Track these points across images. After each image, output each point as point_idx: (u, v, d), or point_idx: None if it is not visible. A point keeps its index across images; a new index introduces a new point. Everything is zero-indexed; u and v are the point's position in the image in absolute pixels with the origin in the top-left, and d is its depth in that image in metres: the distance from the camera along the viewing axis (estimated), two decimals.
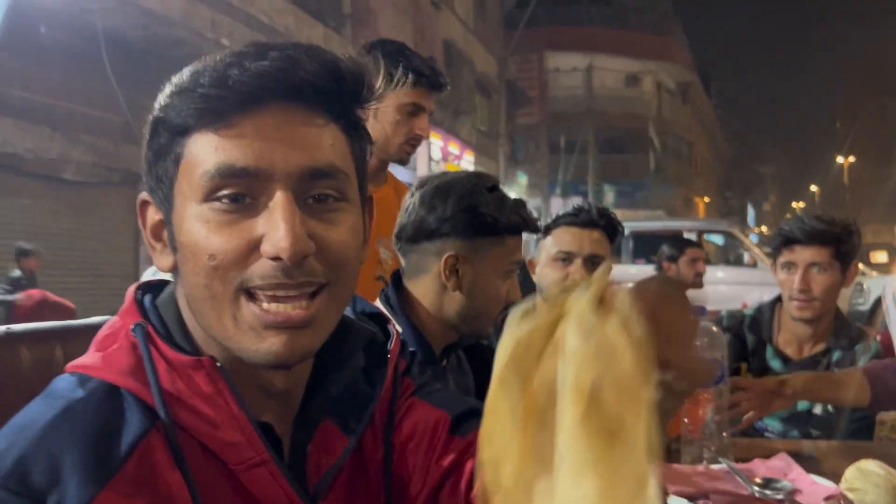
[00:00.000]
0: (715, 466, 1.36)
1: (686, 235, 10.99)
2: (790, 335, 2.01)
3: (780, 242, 1.96)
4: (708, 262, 6.90)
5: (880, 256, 26.70)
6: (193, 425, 0.64)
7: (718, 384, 1.37)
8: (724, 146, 56.84)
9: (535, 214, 1.50)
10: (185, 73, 0.68)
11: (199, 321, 0.68)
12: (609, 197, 24.24)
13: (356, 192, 0.73)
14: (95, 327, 1.02)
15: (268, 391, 0.71)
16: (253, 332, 0.65)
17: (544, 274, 1.82)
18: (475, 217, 1.27)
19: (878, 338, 2.59)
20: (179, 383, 0.65)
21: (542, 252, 1.85)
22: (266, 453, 0.66)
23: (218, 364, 0.66)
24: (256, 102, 0.64)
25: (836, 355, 1.95)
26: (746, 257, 11.11)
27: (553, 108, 26.09)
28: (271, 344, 0.65)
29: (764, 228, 54.67)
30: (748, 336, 2.05)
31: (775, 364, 1.99)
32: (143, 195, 0.72)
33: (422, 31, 14.27)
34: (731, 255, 12.01)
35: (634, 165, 28.53)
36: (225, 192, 0.64)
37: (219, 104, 0.64)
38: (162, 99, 0.68)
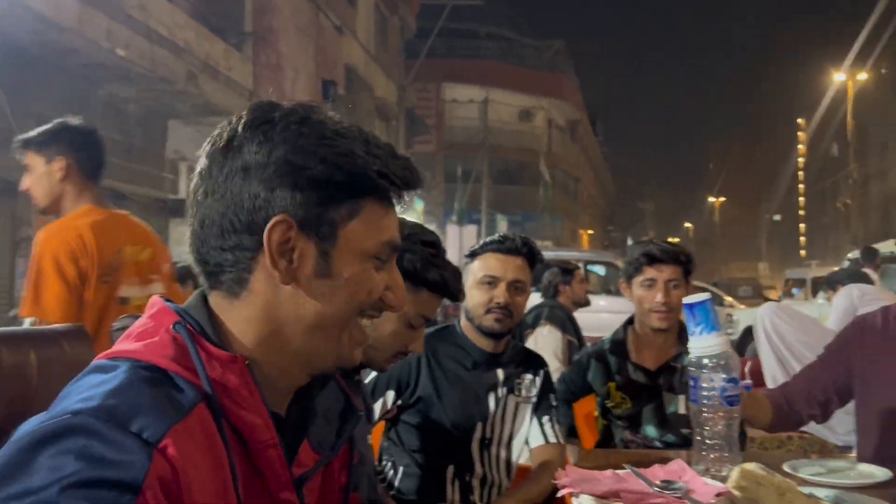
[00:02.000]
0: (620, 472, 1.52)
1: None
2: (645, 350, 2.27)
3: (645, 261, 2.20)
4: (591, 292, 7.26)
5: (746, 291, 28.56)
6: (227, 407, 0.76)
7: (736, 405, 1.52)
8: (609, 183, 59.61)
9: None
10: (375, 141, 0.85)
11: (312, 339, 0.83)
12: (502, 226, 24.82)
13: None
14: (61, 333, 1.06)
15: (286, 389, 0.86)
16: (358, 346, 0.87)
17: (471, 295, 1.95)
18: (398, 261, 1.41)
19: None
20: (215, 372, 0.76)
21: (468, 275, 1.98)
22: (277, 438, 0.79)
23: (247, 361, 0.78)
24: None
25: (685, 359, 2.18)
26: None
27: (450, 137, 26.62)
28: (357, 354, 0.87)
29: None
30: (611, 359, 2.30)
31: (638, 377, 2.25)
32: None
33: (324, 54, 14.30)
34: (612, 286, 12.59)
35: (526, 197, 29.44)
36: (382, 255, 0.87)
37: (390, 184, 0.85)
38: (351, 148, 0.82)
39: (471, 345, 1.97)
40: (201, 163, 0.82)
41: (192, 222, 0.83)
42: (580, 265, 11.24)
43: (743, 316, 10.80)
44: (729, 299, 15.03)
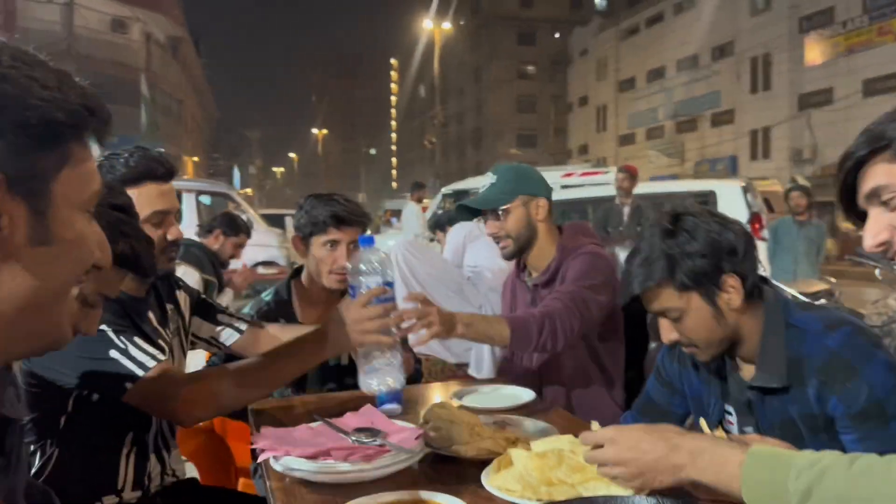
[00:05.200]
0: (313, 424, 1.48)
1: (185, 195, 10.90)
2: (311, 308, 2.20)
3: (332, 224, 2.11)
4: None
5: None
6: None
7: (391, 301, 1.53)
8: (213, 107, 57.47)
9: None
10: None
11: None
12: (94, 150, 22.32)
13: None
14: None
15: None
16: (73, 320, 0.75)
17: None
18: None
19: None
20: None
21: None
22: None
23: None
24: None
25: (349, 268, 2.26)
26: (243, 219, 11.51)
27: (25, 42, 22.71)
28: (69, 331, 0.74)
29: (249, 191, 57.22)
30: (280, 320, 2.12)
31: None
32: None
33: None
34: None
35: (123, 117, 26.81)
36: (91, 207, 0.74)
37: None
38: None
39: None
40: None
41: None
42: (195, 196, 10.78)
43: None
44: None
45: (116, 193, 1.18)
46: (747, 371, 1.49)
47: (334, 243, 2.12)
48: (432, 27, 34.18)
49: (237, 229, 4.34)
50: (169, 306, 1.76)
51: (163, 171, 1.67)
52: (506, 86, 46.46)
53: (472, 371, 3.69)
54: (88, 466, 1.48)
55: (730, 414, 1.53)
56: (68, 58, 21.05)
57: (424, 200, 11.33)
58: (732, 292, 1.43)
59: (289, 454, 1.29)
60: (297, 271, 2.23)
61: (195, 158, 42.05)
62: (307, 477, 1.27)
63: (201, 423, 2.41)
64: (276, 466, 1.30)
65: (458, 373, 3.72)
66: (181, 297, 1.83)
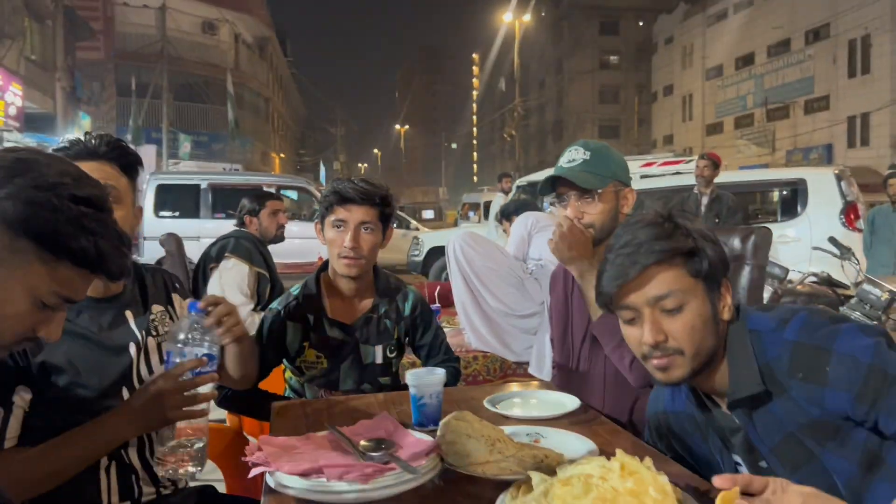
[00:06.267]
0: (321, 433, 1.35)
1: (266, 190, 11.06)
2: (339, 301, 2.06)
3: (335, 201, 1.97)
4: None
5: (428, 213, 30.59)
6: None
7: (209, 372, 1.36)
8: (300, 105, 58.78)
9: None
10: None
11: None
12: (186, 147, 23.16)
13: None
14: None
15: None
16: None
17: None
18: (30, 210, 0.96)
19: (418, 287, 2.83)
20: None
21: None
22: None
23: None
24: None
25: (382, 308, 2.08)
26: None
27: (122, 45, 23.80)
28: None
29: None
30: (308, 316, 2.02)
31: (334, 333, 2.02)
32: None
33: None
34: (305, 211, 12.45)
35: (212, 116, 27.74)
36: None
37: None
38: None
39: None
40: None
41: None
42: (275, 191, 10.95)
43: (427, 238, 11.39)
44: (414, 223, 15.87)
45: (81, 185, 1.01)
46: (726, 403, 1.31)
47: (341, 223, 1.97)
48: (512, 19, 33.78)
49: (260, 199, 4.07)
50: (157, 307, 1.57)
51: (75, 151, 1.44)
52: (587, 76, 45.51)
53: (532, 370, 3.51)
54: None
55: (740, 465, 1.33)
56: (161, 59, 21.87)
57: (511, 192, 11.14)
58: (726, 300, 1.28)
59: (280, 469, 1.15)
60: (327, 263, 2.10)
61: (282, 155, 43.12)
62: (301, 495, 1.14)
63: (227, 423, 2.33)
64: (270, 482, 1.17)
65: (517, 371, 3.55)
66: (178, 300, 1.65)
